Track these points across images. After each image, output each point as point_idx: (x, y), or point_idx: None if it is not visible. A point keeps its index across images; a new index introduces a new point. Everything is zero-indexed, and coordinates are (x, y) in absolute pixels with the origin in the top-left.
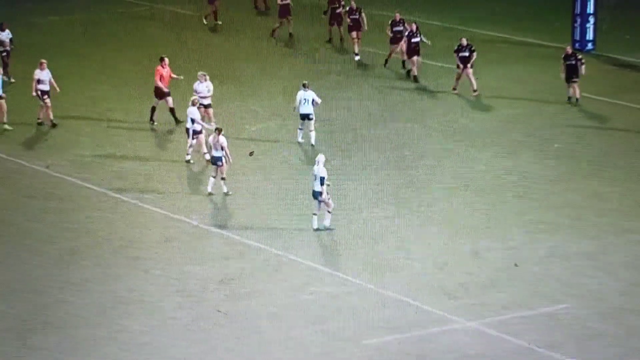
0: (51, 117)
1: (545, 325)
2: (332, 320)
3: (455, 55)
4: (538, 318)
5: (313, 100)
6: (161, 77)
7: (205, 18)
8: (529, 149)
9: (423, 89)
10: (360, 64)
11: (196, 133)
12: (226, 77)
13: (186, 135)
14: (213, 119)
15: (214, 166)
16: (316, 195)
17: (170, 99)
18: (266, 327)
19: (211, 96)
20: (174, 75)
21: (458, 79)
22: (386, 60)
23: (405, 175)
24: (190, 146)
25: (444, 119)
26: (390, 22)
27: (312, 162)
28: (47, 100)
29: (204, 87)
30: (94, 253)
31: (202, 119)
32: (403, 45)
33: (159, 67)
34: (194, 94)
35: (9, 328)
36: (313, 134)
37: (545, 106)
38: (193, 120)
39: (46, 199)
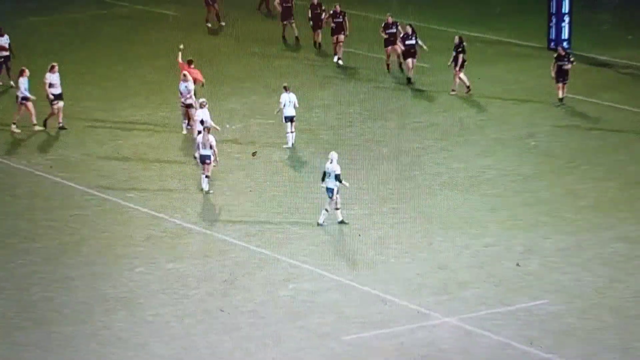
0: (60, 119)
1: (522, 321)
2: (311, 316)
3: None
4: (515, 314)
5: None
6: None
7: (207, 21)
8: (506, 146)
9: (401, 88)
10: (339, 64)
11: None
12: (207, 77)
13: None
14: (194, 118)
15: (202, 164)
16: (330, 192)
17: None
18: (246, 323)
19: (191, 96)
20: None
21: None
22: (388, 65)
23: (383, 173)
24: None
25: (421, 117)
26: (382, 24)
27: (292, 160)
28: (60, 104)
29: (184, 87)
30: (78, 251)
31: (185, 118)
32: (397, 48)
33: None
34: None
35: None
36: (293, 135)
37: (522, 105)
38: (202, 122)
39: (31, 198)
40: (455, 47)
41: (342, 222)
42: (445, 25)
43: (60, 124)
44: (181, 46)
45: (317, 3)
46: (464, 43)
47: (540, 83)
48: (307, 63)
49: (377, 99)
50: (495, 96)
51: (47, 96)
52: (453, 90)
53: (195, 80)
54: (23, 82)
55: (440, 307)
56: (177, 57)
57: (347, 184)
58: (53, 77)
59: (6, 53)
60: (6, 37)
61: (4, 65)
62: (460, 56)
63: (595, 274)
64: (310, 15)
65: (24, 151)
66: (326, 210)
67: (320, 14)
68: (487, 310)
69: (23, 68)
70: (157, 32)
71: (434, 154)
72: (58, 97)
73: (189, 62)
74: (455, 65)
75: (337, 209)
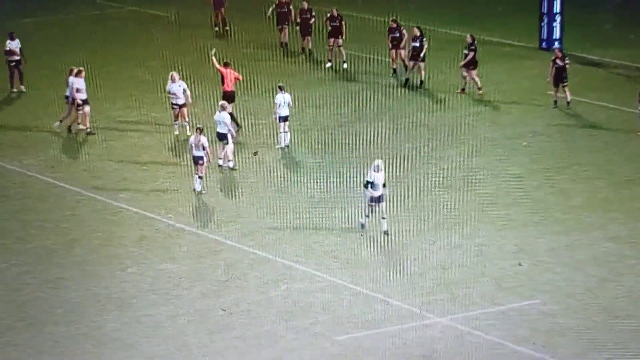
0: (69, 124)
1: (514, 321)
2: (304, 316)
3: None
4: (506, 313)
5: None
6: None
7: (216, 25)
8: (497, 146)
9: (393, 88)
10: (344, 67)
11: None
12: (199, 77)
13: (218, 141)
14: (187, 119)
15: (195, 165)
16: (375, 199)
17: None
18: (239, 323)
19: (181, 97)
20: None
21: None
22: (404, 69)
23: None
24: (224, 150)
25: (413, 117)
26: (387, 29)
27: (285, 160)
28: (87, 108)
29: (176, 87)
30: (70, 251)
31: (177, 119)
32: (401, 52)
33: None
34: (168, 94)
35: None
36: (288, 135)
37: (514, 105)
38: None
39: (23, 199)
40: (467, 45)
41: (385, 232)
42: (436, 25)
43: (88, 129)
44: (213, 51)
45: (307, 8)
46: (476, 42)
47: (532, 83)
48: (300, 64)
49: (369, 99)
50: (486, 96)
51: (74, 101)
52: (480, 89)
53: (236, 79)
54: (72, 81)
55: (433, 307)
56: (213, 63)
57: (366, 197)
58: (80, 82)
59: (17, 57)
60: (17, 41)
61: (16, 70)
62: (471, 54)
63: (587, 274)
64: (299, 20)
65: (16, 152)
66: (383, 218)
67: (310, 19)
68: (479, 310)
69: (72, 68)
70: (149, 33)
71: (426, 153)
72: (84, 102)
73: (226, 64)
74: (465, 63)
75: (382, 217)
